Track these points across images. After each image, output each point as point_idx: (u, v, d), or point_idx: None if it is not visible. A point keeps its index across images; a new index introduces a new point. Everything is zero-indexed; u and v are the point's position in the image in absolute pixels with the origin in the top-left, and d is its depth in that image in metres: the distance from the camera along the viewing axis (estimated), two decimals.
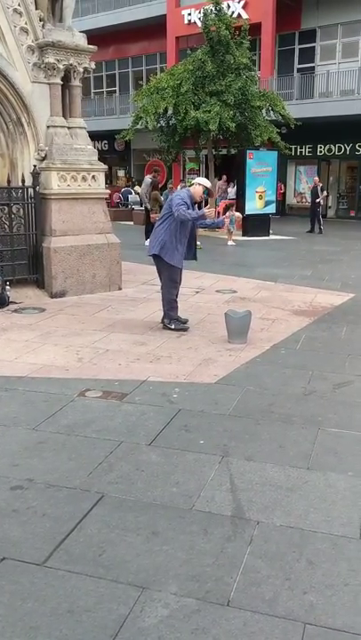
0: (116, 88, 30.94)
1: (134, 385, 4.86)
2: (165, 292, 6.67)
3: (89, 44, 8.54)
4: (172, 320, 6.63)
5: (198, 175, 25.12)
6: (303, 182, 26.25)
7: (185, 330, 6.55)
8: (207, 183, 6.79)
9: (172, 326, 6.58)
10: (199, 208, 6.99)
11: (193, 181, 7.04)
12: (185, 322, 6.74)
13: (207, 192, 6.89)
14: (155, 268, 6.81)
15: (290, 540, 2.82)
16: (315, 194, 18.93)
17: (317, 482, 3.37)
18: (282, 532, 2.89)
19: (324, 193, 19.23)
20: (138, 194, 19.71)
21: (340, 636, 2.25)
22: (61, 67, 8.18)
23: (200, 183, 6.72)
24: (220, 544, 2.78)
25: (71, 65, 8.28)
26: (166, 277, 6.62)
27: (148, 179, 15.83)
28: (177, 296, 6.79)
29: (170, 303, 6.66)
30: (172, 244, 6.44)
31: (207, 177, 16.77)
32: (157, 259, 6.56)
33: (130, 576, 2.56)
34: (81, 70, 8.44)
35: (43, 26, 8.11)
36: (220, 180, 22.51)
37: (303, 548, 2.77)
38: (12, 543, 2.77)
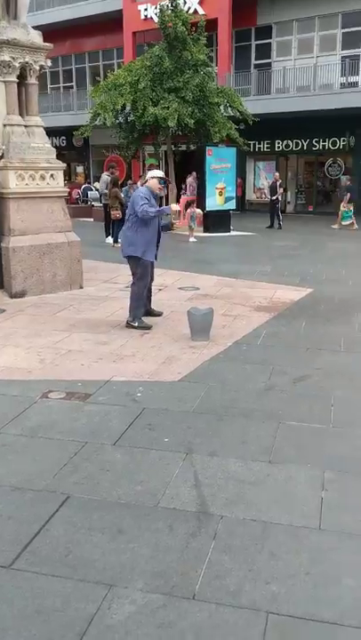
0: (73, 83, 30.59)
1: (98, 385, 4.88)
2: (135, 289, 6.70)
3: (45, 38, 8.48)
4: (135, 318, 6.66)
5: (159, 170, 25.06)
6: (262, 178, 26.51)
7: (148, 328, 6.59)
8: (160, 173, 6.93)
9: (136, 324, 6.61)
10: (162, 200, 7.09)
11: (146, 177, 7.06)
12: (160, 314, 7.00)
13: (164, 182, 6.98)
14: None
15: (252, 532, 2.91)
16: (273, 190, 19.17)
17: (278, 475, 3.46)
18: (245, 525, 2.97)
19: (281, 189, 19.48)
20: (97, 190, 19.53)
21: (302, 623, 2.34)
22: (17, 64, 8.09)
23: (153, 175, 6.84)
24: (185, 540, 2.84)
25: (27, 63, 8.20)
26: (139, 274, 6.70)
27: (105, 176, 15.64)
28: (150, 297, 6.98)
29: (138, 300, 6.69)
30: (144, 243, 6.55)
31: (167, 173, 16.79)
32: (132, 259, 6.65)
33: (97, 575, 2.60)
34: (37, 68, 8.37)
35: None
36: (190, 176, 22.42)
37: (265, 540, 2.85)
38: None
